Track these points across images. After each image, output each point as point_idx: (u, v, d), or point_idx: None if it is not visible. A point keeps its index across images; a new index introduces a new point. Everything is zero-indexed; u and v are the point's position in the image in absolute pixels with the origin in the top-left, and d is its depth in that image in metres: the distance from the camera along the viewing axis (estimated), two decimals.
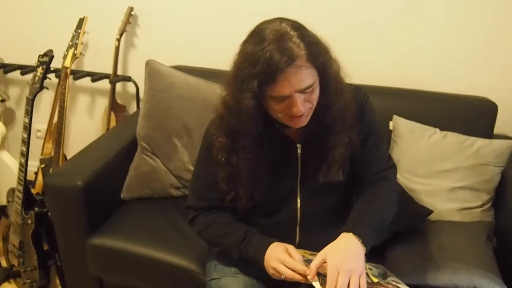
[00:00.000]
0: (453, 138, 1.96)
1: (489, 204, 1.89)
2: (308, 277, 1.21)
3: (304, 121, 1.26)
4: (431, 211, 1.81)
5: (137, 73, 2.58)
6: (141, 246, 1.77)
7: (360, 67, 2.12)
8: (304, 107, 1.21)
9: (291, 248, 1.32)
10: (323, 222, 1.45)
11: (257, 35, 1.19)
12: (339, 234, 1.45)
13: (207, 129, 1.45)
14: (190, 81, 2.08)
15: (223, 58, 2.42)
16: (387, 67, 2.28)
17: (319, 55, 1.19)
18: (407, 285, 1.33)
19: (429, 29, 2.20)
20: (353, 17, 2.25)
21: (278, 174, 1.39)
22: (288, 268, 1.26)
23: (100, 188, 1.87)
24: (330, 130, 1.32)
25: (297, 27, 1.20)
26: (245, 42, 1.23)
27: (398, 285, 1.34)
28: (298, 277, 1.25)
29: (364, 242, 1.26)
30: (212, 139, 1.38)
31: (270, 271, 1.31)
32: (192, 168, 2.03)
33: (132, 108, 2.71)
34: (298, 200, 1.42)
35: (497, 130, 2.09)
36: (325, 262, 1.21)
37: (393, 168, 1.50)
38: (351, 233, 1.27)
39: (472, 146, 1.92)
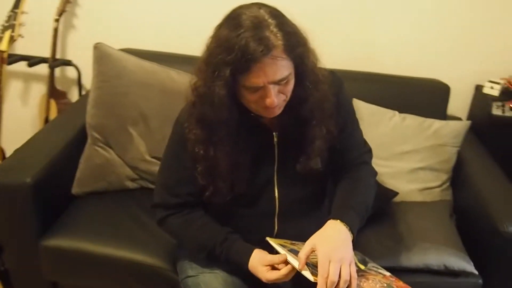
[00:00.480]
0: (411, 120, 1.99)
1: (447, 183, 1.95)
2: (298, 267, 1.17)
3: (277, 111, 1.21)
4: (397, 193, 1.83)
5: (79, 56, 2.40)
6: (101, 245, 1.65)
7: (317, 50, 2.09)
8: (277, 99, 1.16)
9: (267, 259, 1.27)
10: (301, 211, 1.42)
11: (233, 20, 1.12)
12: (316, 223, 1.43)
13: (178, 120, 1.35)
14: (145, 65, 1.95)
15: (175, 41, 2.33)
16: (345, 51, 2.26)
17: (296, 47, 1.14)
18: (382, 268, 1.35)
19: (385, 13, 2.21)
20: (311, 0, 2.21)
21: (256, 163, 1.33)
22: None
23: (50, 184, 1.71)
24: (307, 123, 1.28)
25: (276, 14, 1.14)
26: (220, 26, 1.15)
27: (379, 270, 1.35)
28: (287, 270, 1.22)
29: (351, 229, 1.24)
30: (185, 131, 1.29)
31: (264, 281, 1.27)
32: (149, 158, 1.92)
33: (73, 95, 2.52)
34: (276, 190, 1.37)
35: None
36: (314, 251, 1.18)
37: (370, 151, 1.49)
38: (338, 221, 1.24)
39: (430, 128, 1.97)
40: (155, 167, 1.90)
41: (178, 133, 1.33)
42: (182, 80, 1.94)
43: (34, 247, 1.65)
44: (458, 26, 2.22)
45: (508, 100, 2.13)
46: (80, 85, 2.44)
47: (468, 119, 2.31)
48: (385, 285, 1.22)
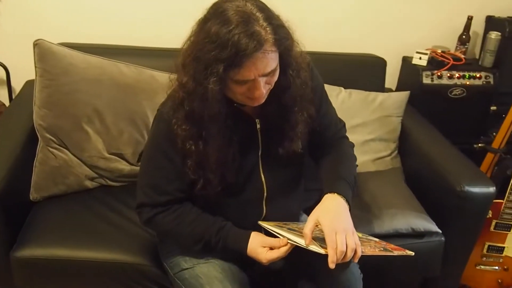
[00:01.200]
0: (357, 95, 2.11)
1: (396, 152, 2.10)
2: (305, 242, 1.22)
3: (261, 100, 1.23)
4: (356, 165, 1.94)
5: (6, 55, 2.23)
6: (77, 249, 1.58)
7: None
8: (265, 89, 1.20)
9: (266, 241, 1.33)
10: (284, 192, 1.47)
11: (220, 15, 1.12)
12: (297, 201, 1.50)
13: (162, 116, 1.31)
14: (91, 60, 1.86)
15: (113, 33, 2.23)
16: None
17: (285, 40, 1.17)
18: None
19: None
20: None
21: (241, 151, 1.35)
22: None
23: (11, 193, 1.60)
24: (289, 109, 1.31)
25: (262, 7, 1.16)
26: (206, 21, 1.14)
27: (369, 237, 1.45)
28: (286, 248, 1.28)
29: (347, 200, 1.31)
30: (172, 127, 1.27)
31: (264, 262, 1.31)
32: (108, 155, 1.86)
33: (2, 96, 2.34)
34: (262, 175, 1.40)
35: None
36: (317, 225, 1.24)
37: (344, 126, 1.56)
38: (335, 194, 1.31)
39: (375, 101, 2.10)
40: (115, 163, 1.87)
41: (163, 130, 1.31)
42: (132, 73, 1.90)
43: (5, 261, 1.55)
44: (383, 2, 2.37)
45: (435, 69, 2.32)
46: (9, 85, 2.27)
47: (397, 89, 2.48)
48: (382, 248, 1.32)
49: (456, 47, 2.45)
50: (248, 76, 1.13)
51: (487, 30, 2.45)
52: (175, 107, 1.26)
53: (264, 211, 1.43)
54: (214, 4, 1.17)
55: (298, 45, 1.27)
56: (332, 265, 1.18)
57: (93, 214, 1.74)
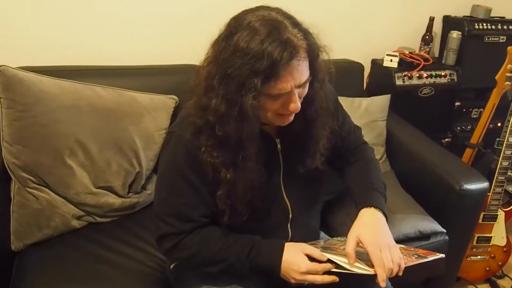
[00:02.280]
0: (343, 101, 2.05)
1: (385, 155, 2.11)
2: (349, 262, 1.16)
3: (291, 118, 1.18)
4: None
5: None
6: None
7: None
8: (299, 103, 1.13)
9: (307, 248, 1.23)
10: (308, 212, 1.42)
11: (247, 27, 1.05)
12: (317, 218, 1.48)
13: (181, 140, 1.20)
14: (64, 85, 1.68)
15: (79, 52, 1.95)
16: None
17: (315, 46, 1.12)
18: None
19: None
20: None
21: (266, 174, 1.27)
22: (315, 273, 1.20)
23: None
24: (312, 125, 1.25)
25: (286, 14, 1.11)
26: (230, 36, 1.06)
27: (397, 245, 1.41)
28: (328, 279, 1.20)
29: (383, 211, 1.28)
30: (194, 153, 1.17)
31: (293, 282, 1.22)
32: (96, 189, 1.69)
33: None
34: (285, 197, 1.33)
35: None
36: (359, 243, 1.19)
37: (361, 131, 1.54)
38: (372, 207, 1.27)
39: (360, 106, 2.10)
40: (104, 198, 1.72)
41: (184, 154, 1.20)
42: (111, 96, 1.75)
43: None
44: (347, 7, 2.38)
45: (406, 70, 2.37)
46: None
47: (367, 92, 2.50)
48: (416, 255, 1.29)
49: (420, 47, 2.52)
50: (284, 88, 1.07)
51: (445, 30, 2.55)
52: (199, 134, 1.16)
53: (290, 234, 1.36)
54: (235, 18, 1.10)
55: (323, 52, 1.20)
56: (383, 284, 1.14)
57: (86, 256, 1.58)
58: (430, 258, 1.31)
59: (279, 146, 1.29)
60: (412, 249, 1.38)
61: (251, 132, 1.12)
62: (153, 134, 1.80)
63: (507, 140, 1.95)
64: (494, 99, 2.12)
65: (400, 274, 1.20)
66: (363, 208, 1.28)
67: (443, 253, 1.82)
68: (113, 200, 1.72)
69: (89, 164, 1.68)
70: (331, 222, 1.78)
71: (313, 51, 1.10)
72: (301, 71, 1.08)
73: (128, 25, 2.03)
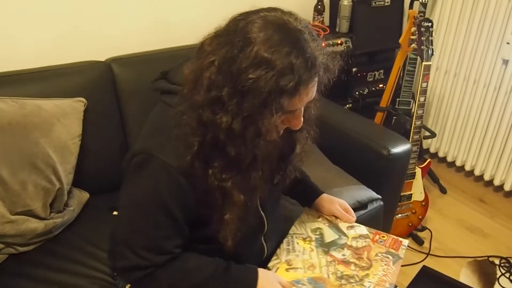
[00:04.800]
0: None
1: None
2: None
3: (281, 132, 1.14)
4: None
5: None
6: None
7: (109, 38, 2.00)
8: None
9: (280, 278, 1.25)
10: (279, 218, 1.44)
11: (263, 32, 0.95)
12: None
13: (166, 166, 1.06)
14: None
15: None
16: (142, 32, 2.13)
17: (328, 66, 1.07)
18: None
19: None
20: None
21: None
22: None
23: None
24: (297, 134, 1.23)
25: (304, 24, 1.03)
26: (246, 43, 0.95)
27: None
28: None
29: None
30: (184, 182, 1.06)
31: None
32: (14, 217, 1.53)
33: None
34: (260, 210, 1.28)
35: None
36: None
37: None
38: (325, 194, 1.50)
39: None
40: (25, 224, 1.57)
41: (168, 183, 1.07)
42: (12, 107, 1.59)
43: None
44: None
45: None
46: None
47: None
48: (389, 255, 1.37)
49: (314, 17, 2.60)
50: (296, 106, 1.02)
51: None
52: (196, 158, 1.04)
53: (265, 246, 1.35)
54: (245, 19, 0.99)
55: None
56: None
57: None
58: (401, 252, 1.38)
59: (257, 175, 1.15)
60: (378, 238, 1.43)
61: (269, 150, 1.07)
62: (67, 143, 1.66)
63: (418, 100, 2.12)
64: (399, 62, 2.27)
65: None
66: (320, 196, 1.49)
67: (379, 219, 1.96)
68: (35, 224, 1.57)
69: (1, 189, 1.50)
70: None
71: (327, 67, 1.05)
72: (315, 87, 1.04)
73: (15, 22, 1.82)
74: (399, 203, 2.27)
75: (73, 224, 1.71)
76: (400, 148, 1.92)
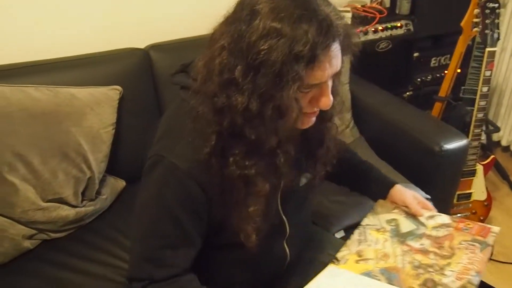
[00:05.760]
0: None
1: (352, 121, 2.07)
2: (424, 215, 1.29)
3: (314, 119, 1.04)
4: None
5: None
6: None
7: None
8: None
9: None
10: (305, 223, 1.37)
11: (269, 4, 0.89)
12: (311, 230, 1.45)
13: (174, 170, 1.01)
14: None
15: None
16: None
17: (348, 27, 0.97)
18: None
19: None
20: None
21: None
22: None
23: None
24: (326, 125, 1.14)
25: None
26: (253, 15, 0.89)
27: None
28: None
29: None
30: (195, 185, 1.00)
31: None
32: (45, 204, 1.57)
33: None
34: (282, 213, 1.20)
35: None
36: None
37: None
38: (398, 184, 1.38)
39: None
40: (56, 211, 1.60)
41: (175, 190, 1.02)
42: (46, 96, 1.61)
43: None
44: None
45: (361, 25, 2.30)
46: None
47: None
48: (475, 242, 1.22)
49: None
50: (321, 78, 0.92)
51: None
52: (213, 153, 0.98)
53: (287, 250, 1.26)
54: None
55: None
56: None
57: (44, 281, 1.47)
58: (491, 239, 1.23)
59: (282, 159, 1.08)
60: (462, 226, 1.27)
61: (290, 129, 0.98)
62: (100, 132, 1.67)
63: (481, 91, 1.94)
64: (460, 48, 2.09)
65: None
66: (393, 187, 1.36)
67: None
68: (66, 212, 1.60)
69: (33, 177, 1.54)
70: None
71: (347, 37, 0.95)
72: (338, 57, 0.94)
73: (54, 11, 1.85)
74: (456, 203, 2.11)
75: (106, 212, 1.73)
76: (454, 144, 1.77)
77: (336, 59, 0.93)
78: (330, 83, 0.97)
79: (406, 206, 1.32)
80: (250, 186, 1.01)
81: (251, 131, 0.95)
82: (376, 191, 1.39)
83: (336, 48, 0.92)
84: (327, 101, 0.97)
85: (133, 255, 1.12)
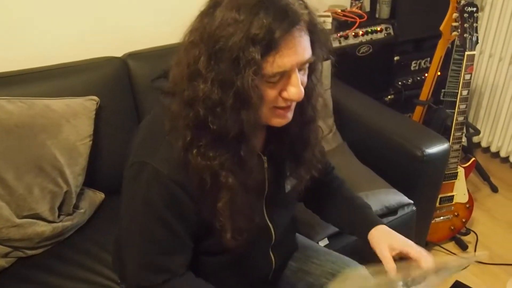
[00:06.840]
0: None
1: (334, 127, 2.04)
2: (392, 275, 1.12)
3: (290, 115, 1.02)
4: None
5: None
6: None
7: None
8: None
9: None
10: (291, 231, 1.36)
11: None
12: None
13: (157, 174, 1.00)
14: None
15: None
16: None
17: (316, 22, 0.97)
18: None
19: None
20: None
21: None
22: None
23: None
24: (308, 127, 1.11)
25: None
26: (214, 8, 0.92)
27: None
28: None
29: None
30: (178, 189, 1.00)
31: None
32: (19, 220, 1.51)
33: None
34: (267, 220, 1.19)
35: None
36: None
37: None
38: (382, 225, 1.25)
39: None
40: (31, 228, 1.54)
41: (161, 193, 1.01)
42: (20, 108, 1.55)
43: None
44: None
45: (342, 30, 2.29)
46: None
47: None
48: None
49: (351, 3, 2.45)
50: (284, 65, 0.91)
51: None
52: (187, 136, 0.97)
53: (273, 258, 1.25)
54: None
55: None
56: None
57: None
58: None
59: (265, 165, 1.12)
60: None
61: (254, 119, 0.95)
62: (76, 145, 1.62)
63: (461, 94, 1.94)
64: (440, 51, 2.09)
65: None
66: (375, 226, 1.24)
67: (411, 225, 1.81)
68: (42, 228, 1.55)
69: (6, 193, 1.49)
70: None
71: (314, 27, 0.95)
72: (304, 45, 0.93)
73: (24, 19, 1.79)
74: (438, 206, 2.11)
75: (85, 226, 1.68)
76: (436, 148, 1.77)
77: (300, 47, 0.92)
78: (299, 74, 0.95)
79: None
80: (215, 178, 0.99)
81: (214, 121, 0.95)
82: (352, 229, 1.34)
83: (299, 35, 0.91)
84: (294, 90, 0.95)
85: (129, 265, 1.12)
